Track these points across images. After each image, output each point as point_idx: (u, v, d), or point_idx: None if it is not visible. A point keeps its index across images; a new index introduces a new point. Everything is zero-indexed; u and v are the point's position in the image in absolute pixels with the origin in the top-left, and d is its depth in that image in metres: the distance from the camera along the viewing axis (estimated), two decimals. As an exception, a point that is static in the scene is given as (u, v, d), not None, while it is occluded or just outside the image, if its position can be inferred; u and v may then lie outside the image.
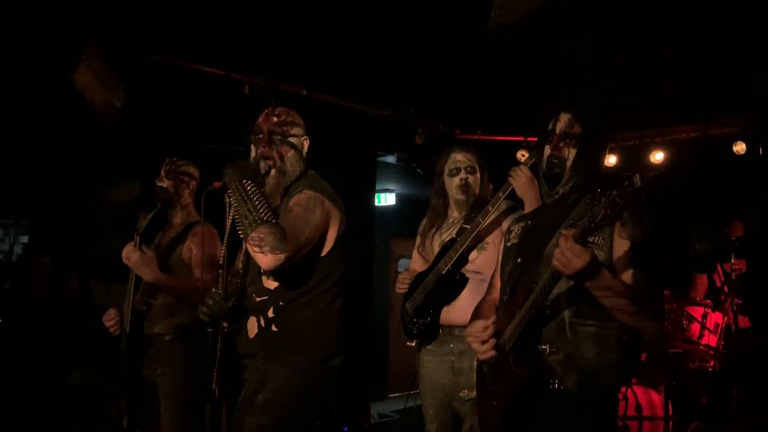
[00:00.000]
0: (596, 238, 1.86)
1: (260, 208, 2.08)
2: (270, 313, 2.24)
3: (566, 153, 2.00)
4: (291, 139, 2.32)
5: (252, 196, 2.09)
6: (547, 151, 2.04)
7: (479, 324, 2.01)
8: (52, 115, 3.83)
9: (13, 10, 3.35)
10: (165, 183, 3.14)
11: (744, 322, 4.09)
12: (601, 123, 2.06)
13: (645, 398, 4.07)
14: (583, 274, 1.72)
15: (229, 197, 2.14)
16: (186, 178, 3.17)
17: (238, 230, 2.10)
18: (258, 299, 2.26)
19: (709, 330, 3.97)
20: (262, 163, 2.26)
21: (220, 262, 2.15)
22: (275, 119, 2.32)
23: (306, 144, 2.38)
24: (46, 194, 4.23)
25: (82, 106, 3.56)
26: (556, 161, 2.00)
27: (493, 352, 1.97)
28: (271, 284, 2.26)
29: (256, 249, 2.05)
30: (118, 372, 3.02)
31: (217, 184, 2.14)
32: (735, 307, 3.82)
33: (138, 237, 2.88)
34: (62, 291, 4.27)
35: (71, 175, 4.35)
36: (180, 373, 2.96)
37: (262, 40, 3.91)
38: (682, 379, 4.25)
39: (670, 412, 3.99)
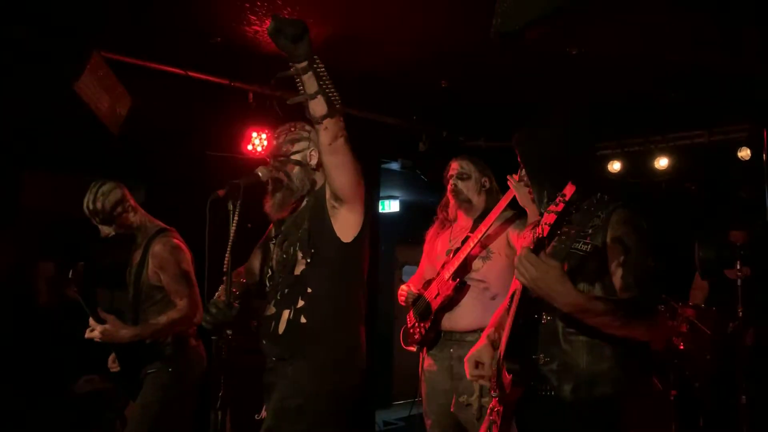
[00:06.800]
0: (579, 245, 1.87)
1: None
2: (299, 303, 2.26)
3: None
4: (294, 157, 2.37)
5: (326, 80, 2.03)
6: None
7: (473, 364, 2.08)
8: (58, 121, 3.85)
9: (19, 19, 3.38)
10: (110, 230, 2.94)
11: (749, 328, 4.06)
12: (585, 133, 2.06)
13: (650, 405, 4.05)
14: (546, 285, 1.69)
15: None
16: (119, 208, 2.92)
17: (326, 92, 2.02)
18: (287, 290, 2.30)
19: (713, 336, 3.95)
20: (273, 184, 2.36)
21: (224, 269, 2.15)
22: (275, 142, 2.40)
23: (314, 155, 2.38)
24: (51, 201, 4.25)
25: (87, 113, 3.58)
26: None
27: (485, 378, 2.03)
28: (298, 270, 2.29)
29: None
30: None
31: (221, 192, 2.15)
32: (740, 313, 3.80)
33: (86, 307, 2.76)
34: (66, 297, 4.28)
35: (76, 182, 4.38)
36: (160, 390, 2.87)
37: (265, 48, 3.93)
38: (687, 385, 4.22)
39: (676, 420, 3.97)
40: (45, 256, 4.27)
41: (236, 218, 2.14)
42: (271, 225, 2.59)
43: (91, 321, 2.76)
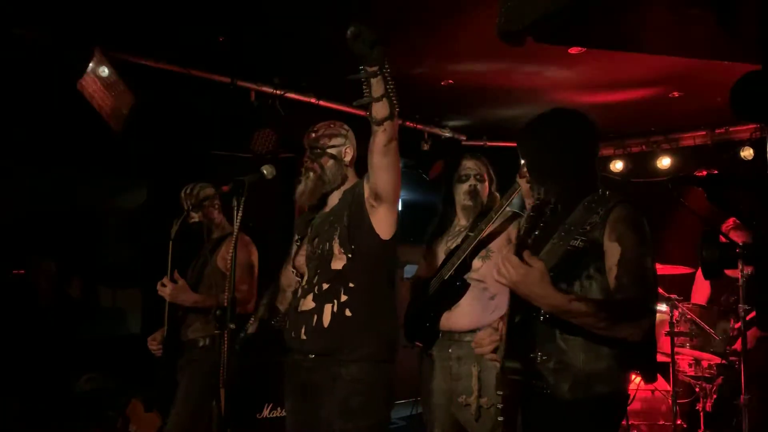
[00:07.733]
0: (576, 242, 1.84)
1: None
2: (342, 297, 2.32)
3: None
4: (330, 150, 2.46)
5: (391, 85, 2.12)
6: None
7: (482, 334, 2.06)
8: (60, 120, 3.85)
9: (22, 17, 3.38)
10: (195, 217, 3.28)
11: (753, 328, 4.06)
12: (587, 131, 2.03)
13: (652, 405, 4.05)
14: (525, 287, 1.68)
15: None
16: (207, 201, 3.29)
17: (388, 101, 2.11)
18: (326, 285, 2.35)
19: (715, 336, 3.95)
20: (305, 174, 2.46)
21: (228, 264, 2.18)
22: (313, 135, 2.49)
23: (349, 152, 2.49)
24: (52, 199, 4.26)
25: (89, 111, 3.59)
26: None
27: (495, 357, 2.00)
28: (338, 264, 2.35)
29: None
30: (153, 378, 3.11)
31: (226, 188, 2.22)
32: (743, 313, 3.79)
33: (170, 255, 3.00)
34: (68, 296, 4.29)
35: (78, 180, 4.38)
36: (202, 378, 3.00)
37: (269, 48, 3.94)
38: (689, 385, 4.22)
39: (678, 420, 3.97)
40: (46, 255, 4.27)
41: (240, 214, 2.17)
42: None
43: (165, 278, 3.00)
